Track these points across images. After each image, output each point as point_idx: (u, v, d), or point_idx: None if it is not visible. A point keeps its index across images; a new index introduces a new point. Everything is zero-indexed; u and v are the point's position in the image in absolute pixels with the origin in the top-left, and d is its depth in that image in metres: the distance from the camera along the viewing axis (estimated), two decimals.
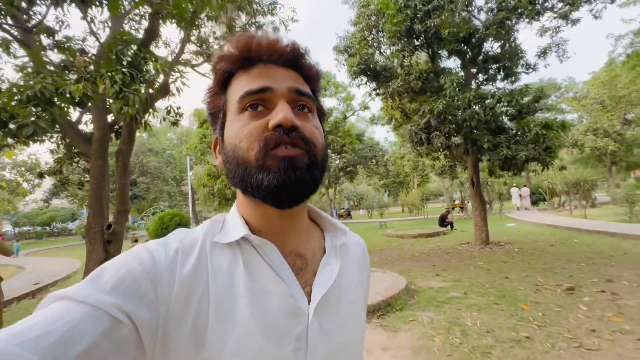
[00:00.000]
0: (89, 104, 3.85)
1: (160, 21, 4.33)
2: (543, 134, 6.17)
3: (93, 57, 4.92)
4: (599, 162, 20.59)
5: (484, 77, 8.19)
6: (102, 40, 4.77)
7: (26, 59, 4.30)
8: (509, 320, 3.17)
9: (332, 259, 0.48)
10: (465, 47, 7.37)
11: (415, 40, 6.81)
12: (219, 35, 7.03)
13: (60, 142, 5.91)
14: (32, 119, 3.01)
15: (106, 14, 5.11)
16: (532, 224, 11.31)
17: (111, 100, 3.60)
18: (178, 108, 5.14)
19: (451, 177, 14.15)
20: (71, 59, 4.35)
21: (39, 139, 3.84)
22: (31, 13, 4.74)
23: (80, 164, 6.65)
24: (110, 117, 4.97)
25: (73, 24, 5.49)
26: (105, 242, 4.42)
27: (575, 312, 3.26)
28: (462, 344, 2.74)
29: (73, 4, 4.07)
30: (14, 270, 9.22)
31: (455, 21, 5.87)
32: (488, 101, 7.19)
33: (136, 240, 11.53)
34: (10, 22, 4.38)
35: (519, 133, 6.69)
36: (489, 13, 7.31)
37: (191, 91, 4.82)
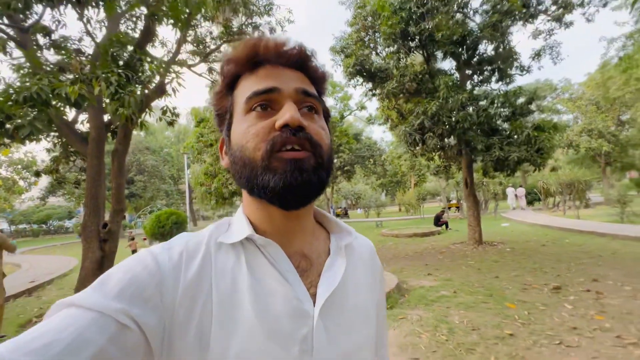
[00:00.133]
0: (85, 104, 3.90)
1: (157, 22, 4.37)
2: (535, 135, 6.27)
3: (89, 57, 4.97)
4: (594, 163, 20.80)
5: (479, 79, 8.28)
6: (98, 40, 4.81)
7: (22, 58, 4.34)
8: (495, 318, 3.26)
9: (337, 260, 0.47)
10: (460, 49, 7.45)
11: (410, 42, 6.89)
12: (216, 35, 7.07)
13: (56, 141, 5.94)
14: (29, 119, 3.06)
15: (102, 14, 5.16)
16: (526, 224, 11.44)
17: (107, 101, 3.65)
18: (174, 108, 5.19)
19: (446, 177, 14.25)
20: (67, 59, 4.39)
21: (35, 138, 3.89)
22: (27, 13, 4.76)
23: (76, 162, 6.68)
24: (106, 117, 5.00)
25: (69, 24, 5.52)
26: (101, 241, 4.47)
27: (559, 311, 3.36)
28: (448, 340, 2.82)
29: (69, 5, 4.11)
30: (11, 268, 9.24)
31: (449, 24, 5.94)
32: (482, 103, 7.29)
33: (133, 239, 11.55)
34: (6, 22, 4.41)
35: (512, 134, 6.78)
36: (484, 15, 7.40)
37: (188, 90, 4.87)
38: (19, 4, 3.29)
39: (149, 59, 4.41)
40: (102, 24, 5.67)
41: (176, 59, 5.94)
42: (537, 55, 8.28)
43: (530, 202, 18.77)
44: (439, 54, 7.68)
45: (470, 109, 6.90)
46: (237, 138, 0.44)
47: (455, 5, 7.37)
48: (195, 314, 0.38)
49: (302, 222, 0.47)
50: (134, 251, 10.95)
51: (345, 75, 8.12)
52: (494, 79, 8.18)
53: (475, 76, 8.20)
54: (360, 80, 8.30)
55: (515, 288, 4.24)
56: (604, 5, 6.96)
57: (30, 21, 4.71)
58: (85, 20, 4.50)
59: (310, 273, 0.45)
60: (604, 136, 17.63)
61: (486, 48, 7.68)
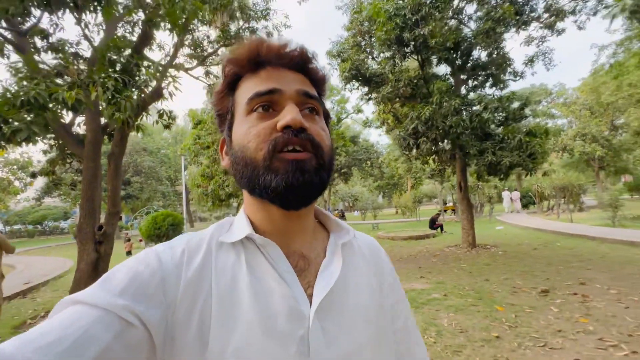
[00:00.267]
0: (82, 107, 3.95)
1: (154, 28, 4.43)
2: (526, 140, 6.38)
3: (87, 60, 5.02)
4: (588, 167, 21.04)
5: (473, 84, 8.41)
6: (95, 44, 4.86)
7: (20, 62, 4.38)
8: (483, 321, 3.33)
9: (334, 259, 0.47)
10: (454, 55, 7.57)
11: (405, 48, 6.99)
12: (213, 39, 7.14)
13: (53, 143, 5.97)
14: (26, 123, 3.11)
15: (100, 18, 5.21)
16: (520, 227, 11.56)
17: (104, 105, 3.70)
18: (170, 112, 5.24)
19: (441, 180, 14.36)
20: (64, 63, 4.43)
21: (32, 141, 3.93)
22: (25, 17, 4.80)
23: (72, 164, 6.71)
24: (103, 120, 5.05)
25: (67, 27, 5.56)
26: (96, 243, 4.50)
27: (545, 314, 3.43)
28: (436, 343, 2.89)
29: (67, 10, 4.16)
30: (5, 270, 9.19)
31: (442, 31, 6.05)
32: (475, 108, 7.41)
33: (129, 240, 11.55)
34: (4, 25, 4.45)
35: (504, 139, 6.89)
36: (479, 21, 7.53)
37: (186, 92, 4.93)
38: (18, 10, 3.34)
39: (145, 64, 4.47)
40: (100, 27, 5.72)
41: (173, 63, 6.00)
42: (530, 61, 8.43)
43: (525, 206, 18.96)
44: (434, 60, 7.80)
45: (464, 114, 7.01)
46: (239, 138, 0.44)
47: (451, 12, 7.51)
48: (196, 311, 0.39)
49: (302, 222, 0.47)
50: (129, 252, 10.96)
51: (341, 80, 8.21)
52: (488, 84, 8.32)
53: (469, 81, 8.33)
54: (356, 84, 8.40)
55: (505, 291, 4.32)
56: (594, 13, 7.11)
57: (28, 24, 4.76)
58: (83, 24, 4.54)
59: (308, 273, 0.45)
60: (597, 141, 17.87)
61: (480, 54, 7.80)
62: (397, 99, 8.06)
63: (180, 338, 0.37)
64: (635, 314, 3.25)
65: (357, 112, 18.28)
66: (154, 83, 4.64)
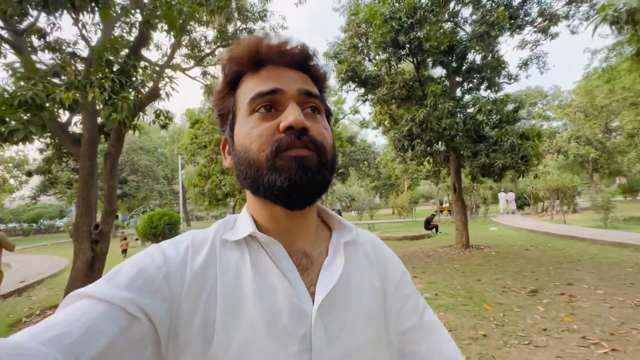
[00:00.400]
0: (79, 107, 3.98)
1: (151, 29, 4.47)
2: (519, 143, 6.48)
3: (84, 59, 5.04)
4: (582, 169, 21.27)
5: (468, 86, 8.51)
6: (93, 44, 4.89)
7: (16, 60, 4.41)
8: (471, 320, 3.41)
9: (336, 258, 0.47)
10: (450, 58, 7.66)
11: (400, 51, 7.07)
12: (210, 40, 7.18)
13: (49, 142, 5.99)
14: (23, 123, 3.15)
15: (97, 18, 5.24)
16: (513, 229, 11.69)
17: (101, 105, 3.74)
18: (167, 112, 5.29)
19: (436, 181, 14.48)
20: (61, 63, 4.46)
21: (29, 140, 3.96)
22: (23, 17, 4.82)
23: (69, 163, 6.73)
24: (99, 119, 5.08)
25: (64, 27, 5.58)
26: (92, 242, 4.54)
27: (532, 313, 3.52)
28: None
29: (65, 10, 4.19)
30: (2, 268, 9.18)
31: (437, 34, 6.13)
32: (470, 110, 7.51)
33: (125, 238, 11.56)
34: (1, 24, 4.47)
35: (498, 142, 6.99)
36: (474, 25, 7.63)
37: (183, 91, 4.98)
38: (16, 11, 3.37)
39: (142, 65, 4.51)
40: (97, 27, 5.75)
41: (170, 63, 6.04)
42: (525, 64, 8.56)
43: (520, 207, 19.16)
44: (429, 62, 7.90)
45: (459, 116, 7.10)
46: (241, 139, 0.44)
47: (447, 14, 7.61)
48: (200, 305, 0.39)
49: (305, 221, 0.48)
50: (124, 251, 10.97)
51: (338, 81, 8.28)
52: (483, 86, 8.43)
53: (465, 83, 8.43)
54: (353, 85, 8.48)
55: (495, 291, 4.41)
56: (587, 19, 7.23)
57: (25, 24, 4.78)
58: (80, 25, 4.57)
59: (311, 271, 0.45)
60: (591, 143, 18.09)
61: (474, 57, 7.90)
62: (393, 101, 8.15)
63: (185, 333, 0.38)
64: (619, 314, 3.35)
65: (354, 113, 18.36)
66: (150, 84, 4.68)
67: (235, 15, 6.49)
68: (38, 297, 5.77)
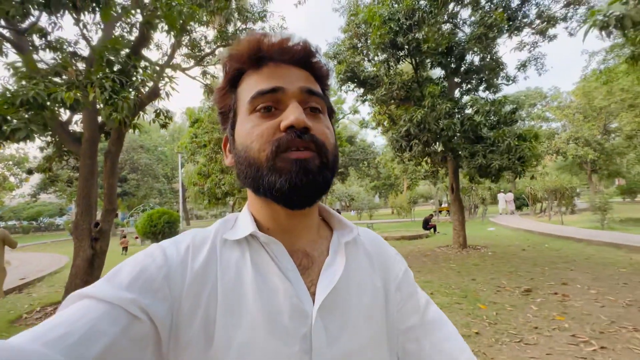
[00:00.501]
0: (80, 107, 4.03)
1: (151, 30, 4.52)
2: (515, 144, 6.53)
3: (85, 59, 5.09)
4: (581, 170, 21.33)
5: (467, 87, 8.56)
6: (93, 44, 4.94)
7: (18, 60, 4.46)
8: (465, 318, 3.47)
9: (337, 258, 0.47)
10: (448, 59, 7.71)
11: (399, 52, 7.12)
12: (210, 40, 7.23)
13: (50, 141, 6.04)
14: (24, 122, 3.20)
15: (98, 17, 5.28)
16: (511, 229, 11.76)
17: (101, 105, 3.79)
18: (167, 111, 5.34)
19: (434, 181, 14.53)
20: (62, 62, 4.51)
21: (31, 139, 4.01)
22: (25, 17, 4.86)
23: (69, 161, 6.78)
24: (100, 118, 5.13)
25: (65, 26, 5.62)
26: (92, 240, 4.59)
27: (525, 312, 3.58)
28: None
29: (66, 11, 4.24)
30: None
31: (435, 36, 6.18)
32: (467, 111, 7.56)
33: (124, 237, 11.62)
34: (3, 23, 4.52)
35: (495, 143, 7.04)
36: (473, 26, 7.68)
37: (183, 90, 5.03)
38: (18, 12, 3.42)
39: (143, 65, 4.56)
40: (98, 26, 5.79)
41: (170, 63, 6.08)
42: (523, 66, 8.62)
43: (518, 207, 19.23)
44: (428, 63, 7.95)
45: (457, 117, 7.16)
46: (242, 138, 0.44)
47: (446, 16, 7.66)
48: (201, 305, 0.39)
49: (306, 220, 0.47)
50: (124, 248, 11.04)
51: (337, 82, 8.33)
52: (481, 87, 8.48)
53: (463, 84, 8.48)
54: (352, 86, 8.54)
55: (490, 290, 4.46)
56: (584, 21, 7.27)
57: (26, 23, 4.83)
58: (81, 25, 4.62)
59: (312, 271, 0.45)
60: (590, 144, 18.15)
61: (473, 58, 7.95)
62: (392, 101, 8.20)
63: (185, 332, 0.38)
64: (610, 313, 3.41)
65: (353, 113, 18.41)
66: (150, 83, 4.73)
67: (236, 15, 6.54)
68: (38, 294, 5.83)
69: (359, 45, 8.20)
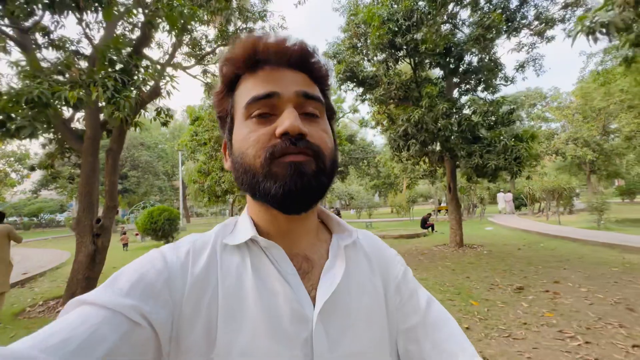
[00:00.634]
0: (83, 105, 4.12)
1: (153, 30, 4.60)
2: (512, 145, 6.61)
3: (87, 57, 5.17)
4: (580, 170, 21.40)
5: (465, 87, 8.63)
6: (96, 42, 5.02)
7: (22, 58, 4.54)
8: (456, 314, 3.56)
9: (336, 262, 0.47)
10: (447, 59, 7.78)
11: (398, 52, 7.19)
12: (211, 39, 7.30)
13: (52, 138, 6.13)
14: (29, 120, 3.28)
15: (101, 16, 5.36)
16: (508, 228, 11.85)
17: (104, 103, 3.87)
18: (168, 110, 5.43)
19: (431, 181, 14.62)
20: (65, 61, 4.59)
21: (35, 136, 4.10)
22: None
23: (71, 158, 6.86)
24: (101, 116, 5.22)
25: (68, 24, 5.70)
26: (94, 236, 4.69)
27: (516, 308, 3.67)
28: None
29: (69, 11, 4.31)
30: None
31: (433, 37, 6.25)
32: (465, 111, 7.63)
33: (124, 233, 11.73)
34: (7, 22, 4.60)
35: (491, 143, 7.12)
36: (472, 27, 7.73)
37: (184, 88, 5.13)
38: (23, 12, 3.50)
39: (144, 64, 4.64)
40: (100, 25, 5.86)
41: (171, 62, 6.16)
42: (521, 67, 8.68)
43: (517, 207, 19.32)
44: (427, 63, 8.01)
45: (455, 117, 7.23)
46: (238, 144, 0.44)
47: (445, 16, 7.71)
48: (202, 310, 0.39)
49: (305, 224, 0.47)
50: (125, 245, 11.15)
51: (336, 81, 8.40)
52: (479, 88, 8.54)
53: (462, 84, 8.55)
54: (351, 85, 8.60)
55: (483, 288, 4.56)
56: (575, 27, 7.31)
57: (30, 22, 4.90)
58: (84, 24, 4.70)
59: (312, 275, 0.45)
60: (588, 145, 18.22)
61: (471, 59, 8.01)
62: (390, 101, 8.27)
63: (186, 338, 0.37)
64: (597, 310, 3.50)
65: (353, 112, 18.47)
66: (152, 82, 4.82)
67: (236, 14, 6.61)
68: (40, 289, 5.93)
69: (359, 45, 8.26)
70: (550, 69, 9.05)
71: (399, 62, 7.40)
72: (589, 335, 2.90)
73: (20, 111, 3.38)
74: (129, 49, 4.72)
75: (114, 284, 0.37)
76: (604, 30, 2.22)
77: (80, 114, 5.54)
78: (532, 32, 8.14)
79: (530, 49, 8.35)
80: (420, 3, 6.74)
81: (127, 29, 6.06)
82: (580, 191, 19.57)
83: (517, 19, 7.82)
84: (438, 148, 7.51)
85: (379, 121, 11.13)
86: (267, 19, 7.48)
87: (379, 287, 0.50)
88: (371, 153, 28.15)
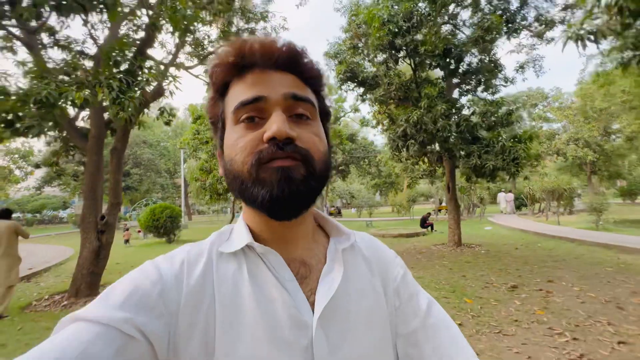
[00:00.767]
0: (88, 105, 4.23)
1: (157, 31, 4.70)
2: (510, 146, 6.68)
3: (92, 57, 5.28)
4: (581, 171, 21.40)
5: (465, 88, 8.69)
6: (100, 42, 5.13)
7: (27, 57, 4.66)
8: (450, 311, 3.63)
9: (334, 266, 0.46)
10: (447, 60, 7.84)
11: (398, 53, 7.26)
12: (214, 39, 7.40)
13: (57, 136, 6.25)
14: (37, 120, 3.40)
15: (105, 17, 5.46)
16: (507, 228, 11.92)
17: (108, 103, 3.98)
18: (171, 109, 5.54)
19: (431, 180, 14.69)
20: (70, 61, 4.70)
21: (44, 134, 4.21)
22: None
23: (75, 156, 7.00)
24: (106, 115, 5.33)
25: (73, 25, 5.80)
26: (98, 232, 4.81)
27: (508, 306, 3.77)
28: None
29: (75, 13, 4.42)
30: None
31: (432, 39, 6.32)
32: (464, 112, 7.71)
33: (127, 229, 11.88)
34: (14, 22, 4.71)
35: (490, 144, 7.19)
36: (472, 27, 7.79)
37: (187, 86, 5.22)
38: (31, 15, 3.61)
39: (148, 65, 4.75)
40: (105, 25, 5.97)
41: (174, 62, 6.26)
42: (521, 68, 8.73)
43: (518, 207, 19.36)
44: (427, 64, 8.07)
45: (455, 117, 7.31)
46: (228, 149, 0.43)
47: (446, 17, 7.78)
48: (200, 319, 0.38)
49: (300, 229, 0.47)
50: (126, 240, 11.31)
51: (337, 81, 8.49)
52: (480, 88, 8.60)
53: (462, 85, 8.61)
54: (352, 85, 8.68)
55: (478, 286, 4.65)
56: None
57: (36, 22, 5.00)
58: (89, 25, 4.80)
59: (310, 280, 0.45)
60: (589, 146, 18.22)
61: (471, 60, 8.07)
62: (391, 101, 8.34)
63: (184, 349, 0.37)
64: (588, 308, 3.59)
65: (354, 111, 18.53)
66: (155, 82, 4.92)
67: (238, 15, 6.70)
68: (46, 283, 6.07)
69: (360, 45, 8.34)
70: (550, 70, 9.07)
71: (399, 63, 7.47)
72: (577, 332, 3.00)
73: (28, 111, 3.49)
74: (133, 49, 4.84)
75: (108, 298, 0.37)
76: (591, 37, 2.30)
77: (84, 113, 5.66)
78: (532, 34, 8.20)
79: (530, 50, 8.41)
80: (420, 5, 6.81)
81: (131, 29, 6.17)
82: (582, 192, 19.58)
83: (517, 21, 7.87)
84: (437, 148, 7.59)
85: (379, 121, 11.22)
86: (268, 20, 7.58)
87: (380, 289, 0.50)
88: (372, 152, 28.22)
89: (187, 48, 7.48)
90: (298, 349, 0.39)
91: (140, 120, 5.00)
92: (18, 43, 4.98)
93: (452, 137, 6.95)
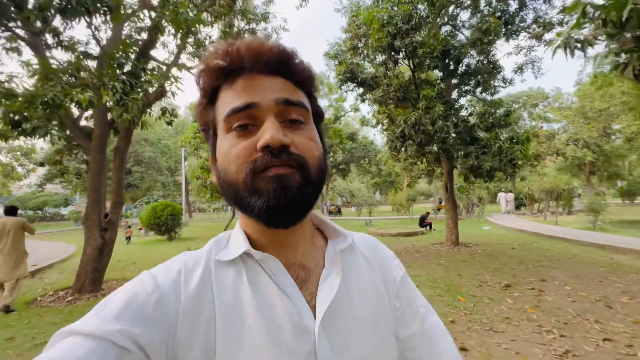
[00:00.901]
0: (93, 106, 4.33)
1: (159, 34, 4.79)
2: (506, 147, 6.77)
3: (95, 58, 5.38)
4: (580, 171, 21.46)
5: (465, 89, 8.76)
6: (103, 44, 5.22)
7: (33, 58, 4.76)
8: (443, 309, 3.77)
9: (333, 268, 0.46)
10: (445, 61, 7.91)
11: (397, 54, 7.34)
12: (215, 40, 7.48)
13: (61, 135, 6.36)
14: (43, 121, 3.50)
15: (108, 18, 5.55)
16: (505, 228, 12.01)
17: (112, 104, 4.08)
18: (173, 109, 5.64)
19: (429, 180, 14.79)
20: (75, 64, 4.79)
21: (49, 134, 4.32)
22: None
23: (78, 155, 7.10)
24: (109, 115, 5.43)
25: (76, 26, 5.89)
26: (102, 230, 4.93)
27: (500, 304, 3.87)
28: None
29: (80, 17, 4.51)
30: None
31: (430, 41, 6.40)
32: (462, 113, 7.79)
33: (129, 227, 12.02)
34: (19, 24, 4.80)
35: (487, 145, 7.28)
36: (471, 29, 7.85)
37: (188, 86, 5.31)
38: (37, 18, 3.70)
39: (150, 66, 4.85)
40: (108, 25, 6.06)
41: (176, 63, 6.36)
42: (520, 69, 8.79)
43: (517, 207, 19.45)
44: (425, 65, 8.15)
45: (453, 118, 7.39)
46: (220, 158, 0.42)
47: (446, 18, 7.84)
48: (200, 328, 0.38)
49: (298, 233, 0.46)
50: (128, 238, 11.44)
51: (337, 82, 8.57)
52: (478, 89, 8.67)
53: (461, 86, 8.68)
54: (351, 85, 8.77)
55: (472, 285, 4.76)
56: (580, 27, 7.42)
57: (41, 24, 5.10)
58: (93, 27, 4.89)
59: (310, 284, 0.44)
60: (588, 146, 18.27)
61: (469, 61, 8.14)
62: (390, 102, 8.43)
63: (185, 356, 0.37)
64: (577, 307, 3.69)
65: (354, 111, 18.61)
66: (157, 83, 5.02)
67: (239, 17, 6.78)
68: (50, 280, 6.19)
69: (360, 45, 8.41)
70: (549, 71, 9.17)
71: (398, 64, 7.55)
72: (565, 329, 3.10)
73: (35, 112, 3.60)
74: (136, 49, 4.93)
75: (102, 310, 0.36)
76: (579, 45, 2.38)
77: (87, 113, 5.76)
78: (530, 36, 8.26)
79: (528, 52, 8.47)
80: (419, 7, 6.88)
81: (133, 29, 6.26)
82: (582, 192, 19.67)
83: (516, 22, 7.93)
84: (435, 149, 7.68)
85: (379, 120, 11.31)
86: (269, 21, 7.66)
87: (382, 288, 0.50)
88: (372, 151, 28.32)
89: (189, 48, 7.58)
90: (301, 354, 0.39)
91: (143, 121, 5.10)
92: (23, 44, 5.08)
93: (450, 138, 7.03)
